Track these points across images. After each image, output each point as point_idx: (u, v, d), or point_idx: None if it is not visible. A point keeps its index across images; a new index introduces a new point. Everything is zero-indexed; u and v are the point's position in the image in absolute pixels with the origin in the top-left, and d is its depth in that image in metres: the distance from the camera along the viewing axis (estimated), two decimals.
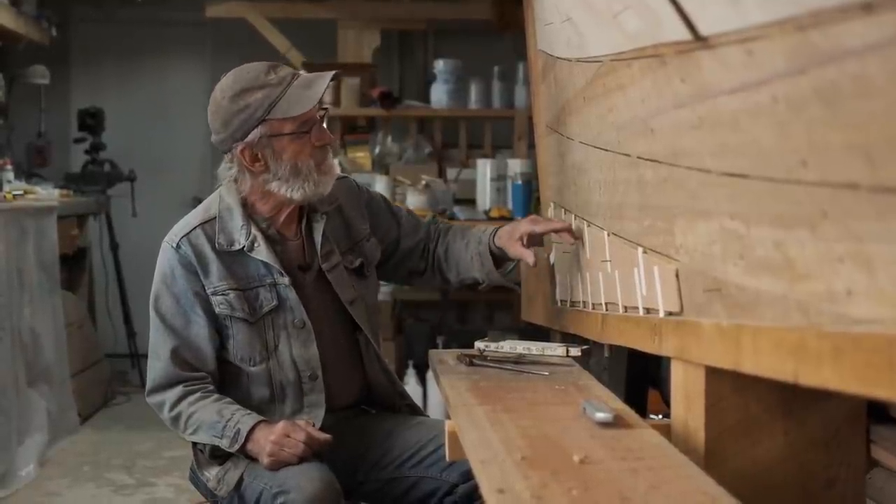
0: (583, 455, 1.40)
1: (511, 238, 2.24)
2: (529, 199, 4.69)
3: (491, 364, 2.13)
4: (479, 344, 2.22)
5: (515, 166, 4.86)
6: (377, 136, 5.55)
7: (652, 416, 2.19)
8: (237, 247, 2.14)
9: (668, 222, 1.63)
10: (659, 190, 1.65)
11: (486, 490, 1.30)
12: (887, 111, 0.89)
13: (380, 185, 4.81)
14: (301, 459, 2.01)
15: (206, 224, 2.16)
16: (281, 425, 2.04)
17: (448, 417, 1.86)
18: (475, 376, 2.04)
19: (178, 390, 2.12)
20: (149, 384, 2.17)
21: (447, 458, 1.83)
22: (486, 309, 5.93)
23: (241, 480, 2.06)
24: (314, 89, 2.08)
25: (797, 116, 1.07)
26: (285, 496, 1.95)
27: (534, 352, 2.16)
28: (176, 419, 2.12)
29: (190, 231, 2.16)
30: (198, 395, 2.12)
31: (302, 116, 2.08)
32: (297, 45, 5.65)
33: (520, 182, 4.77)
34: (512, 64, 5.51)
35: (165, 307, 2.15)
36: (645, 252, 1.79)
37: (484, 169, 4.98)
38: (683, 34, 1.31)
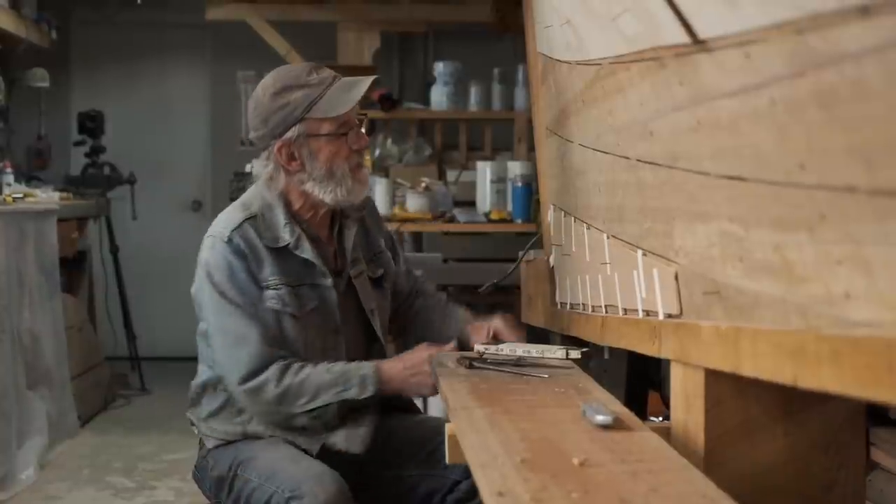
0: (582, 458, 1.40)
1: (478, 330, 2.32)
2: (529, 202, 4.69)
3: (491, 367, 2.13)
4: (478, 346, 2.21)
5: (515, 168, 4.86)
6: (377, 138, 5.56)
7: (652, 418, 2.19)
8: (282, 244, 2.13)
9: (668, 225, 1.63)
10: (658, 192, 1.65)
11: (485, 493, 1.30)
12: (885, 114, 0.90)
13: (380, 187, 4.81)
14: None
15: (251, 220, 2.14)
16: (408, 356, 2.13)
17: (448, 420, 1.86)
18: (475, 379, 2.03)
19: (275, 368, 2.08)
20: (241, 372, 2.08)
21: (447, 461, 1.83)
22: (486, 311, 5.91)
23: (248, 481, 2.06)
24: (354, 92, 2.11)
25: (795, 119, 1.07)
26: (299, 501, 1.95)
27: (533, 354, 2.16)
28: (284, 394, 2.06)
29: (239, 225, 2.13)
30: (297, 366, 2.09)
31: (340, 118, 2.11)
32: (297, 48, 5.65)
33: (520, 184, 4.77)
34: (512, 66, 5.51)
35: (234, 297, 2.10)
36: (644, 254, 1.79)
37: (484, 171, 4.99)
38: (682, 37, 1.31)
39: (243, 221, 2.13)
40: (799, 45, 1.00)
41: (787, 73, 1.05)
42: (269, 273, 2.11)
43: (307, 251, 2.14)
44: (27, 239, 4.31)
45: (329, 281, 2.16)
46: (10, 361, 3.98)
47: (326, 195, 2.13)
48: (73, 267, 5.22)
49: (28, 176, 5.49)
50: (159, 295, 6.58)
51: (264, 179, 2.17)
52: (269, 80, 2.13)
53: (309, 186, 2.13)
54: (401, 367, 2.10)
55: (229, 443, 2.17)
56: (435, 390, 2.08)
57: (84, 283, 5.45)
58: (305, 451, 2.10)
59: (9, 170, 4.97)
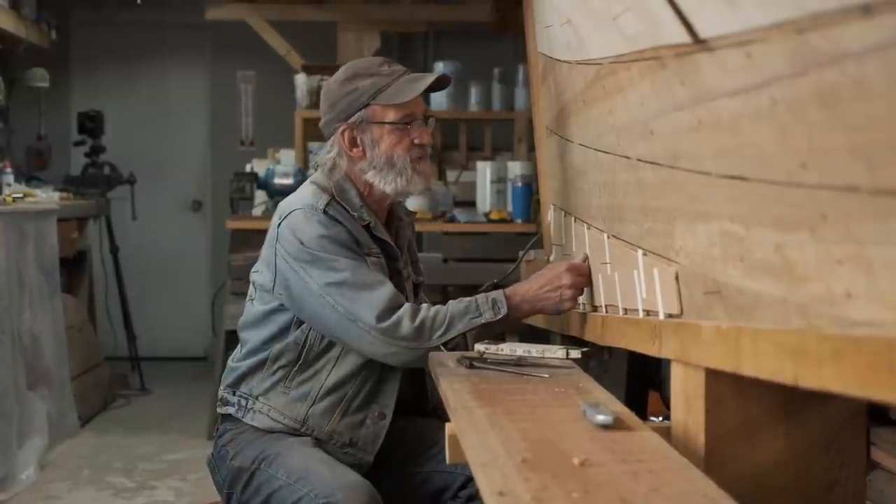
0: (583, 458, 1.40)
1: None
2: (529, 202, 4.69)
3: (491, 366, 2.13)
4: (479, 346, 2.21)
5: (515, 168, 4.86)
6: None
7: (652, 418, 2.19)
8: (364, 222, 2.16)
9: (668, 224, 1.63)
10: (659, 192, 1.65)
11: (486, 493, 1.30)
12: (887, 113, 0.89)
13: None
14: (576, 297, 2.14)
15: (333, 198, 2.15)
16: (541, 274, 2.14)
17: (448, 420, 1.86)
18: (475, 378, 2.03)
19: (408, 306, 2.09)
20: (377, 310, 2.06)
21: (447, 461, 1.83)
22: None
23: (273, 478, 2.04)
24: (420, 83, 2.15)
25: (796, 119, 1.07)
26: None
27: (534, 354, 2.15)
28: (420, 328, 2.07)
29: (329, 200, 2.13)
30: (426, 305, 2.14)
31: (405, 108, 2.14)
32: (297, 48, 5.65)
33: (520, 184, 4.77)
34: (512, 66, 5.51)
35: (345, 254, 2.10)
36: (645, 254, 1.79)
37: (484, 171, 4.99)
38: (683, 37, 1.31)
39: (329, 199, 2.14)
40: (800, 45, 1.00)
41: (788, 73, 1.05)
42: (365, 245, 2.15)
43: (384, 234, 2.19)
44: (27, 239, 4.31)
45: (399, 265, 2.20)
46: (11, 361, 3.98)
47: (387, 185, 2.16)
48: (73, 267, 5.22)
49: (28, 176, 5.48)
50: (159, 295, 6.58)
51: (327, 168, 2.19)
52: (342, 70, 2.20)
53: (370, 176, 2.16)
54: (535, 286, 2.11)
55: (270, 431, 2.13)
56: (575, 302, 2.09)
57: (84, 283, 5.45)
58: (355, 465, 2.07)
59: (9, 170, 4.97)
